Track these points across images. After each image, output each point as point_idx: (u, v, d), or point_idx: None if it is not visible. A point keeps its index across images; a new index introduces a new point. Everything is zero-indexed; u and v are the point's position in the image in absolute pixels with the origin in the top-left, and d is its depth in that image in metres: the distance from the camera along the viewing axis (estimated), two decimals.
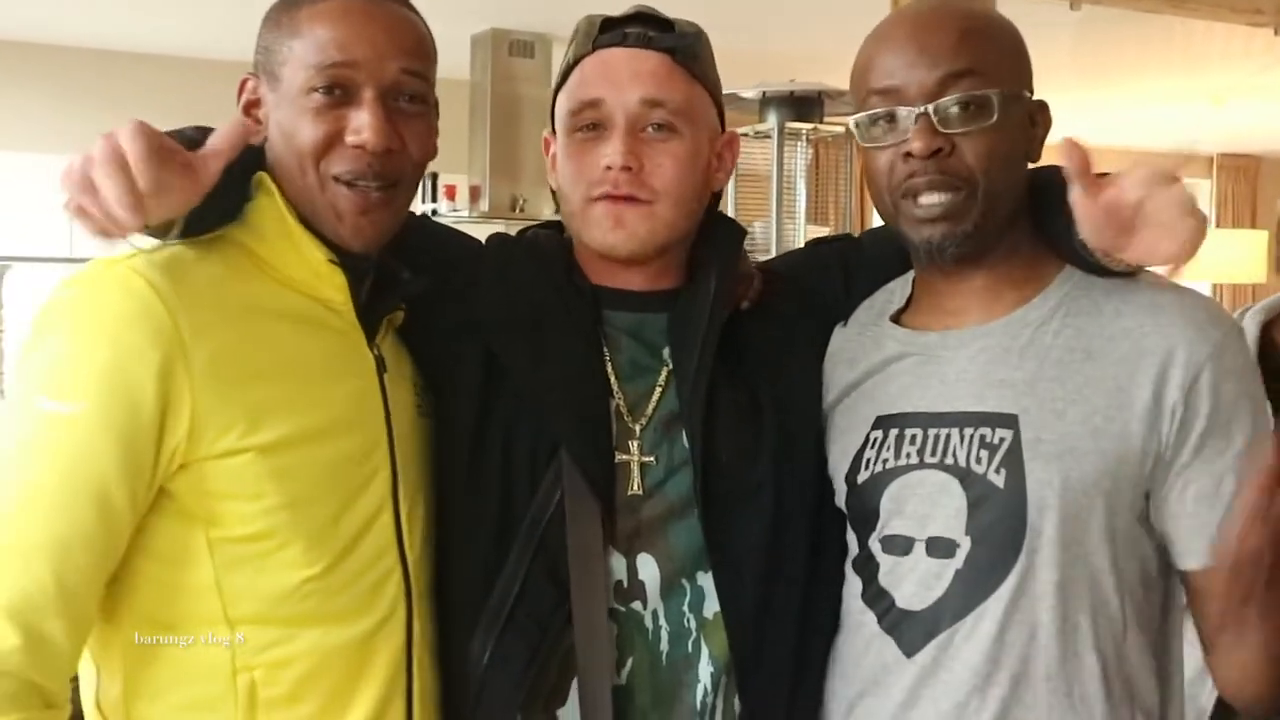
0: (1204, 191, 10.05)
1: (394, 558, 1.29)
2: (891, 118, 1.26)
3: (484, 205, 5.84)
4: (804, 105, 5.46)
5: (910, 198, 1.26)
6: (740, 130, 5.35)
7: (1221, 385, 1.21)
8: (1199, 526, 1.22)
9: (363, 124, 1.23)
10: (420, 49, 1.29)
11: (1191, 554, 1.24)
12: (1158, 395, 1.21)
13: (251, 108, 1.30)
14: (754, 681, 1.33)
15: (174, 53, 6.40)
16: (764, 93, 5.46)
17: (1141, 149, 8.91)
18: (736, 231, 1.46)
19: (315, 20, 1.25)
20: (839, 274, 1.50)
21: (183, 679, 1.21)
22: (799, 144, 5.72)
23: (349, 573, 1.24)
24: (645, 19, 1.39)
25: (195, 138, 1.25)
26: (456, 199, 6.02)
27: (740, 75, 4.98)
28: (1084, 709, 1.23)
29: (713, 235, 1.43)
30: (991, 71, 1.24)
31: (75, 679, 1.27)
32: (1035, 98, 1.32)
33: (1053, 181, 1.29)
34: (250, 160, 1.28)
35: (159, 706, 1.21)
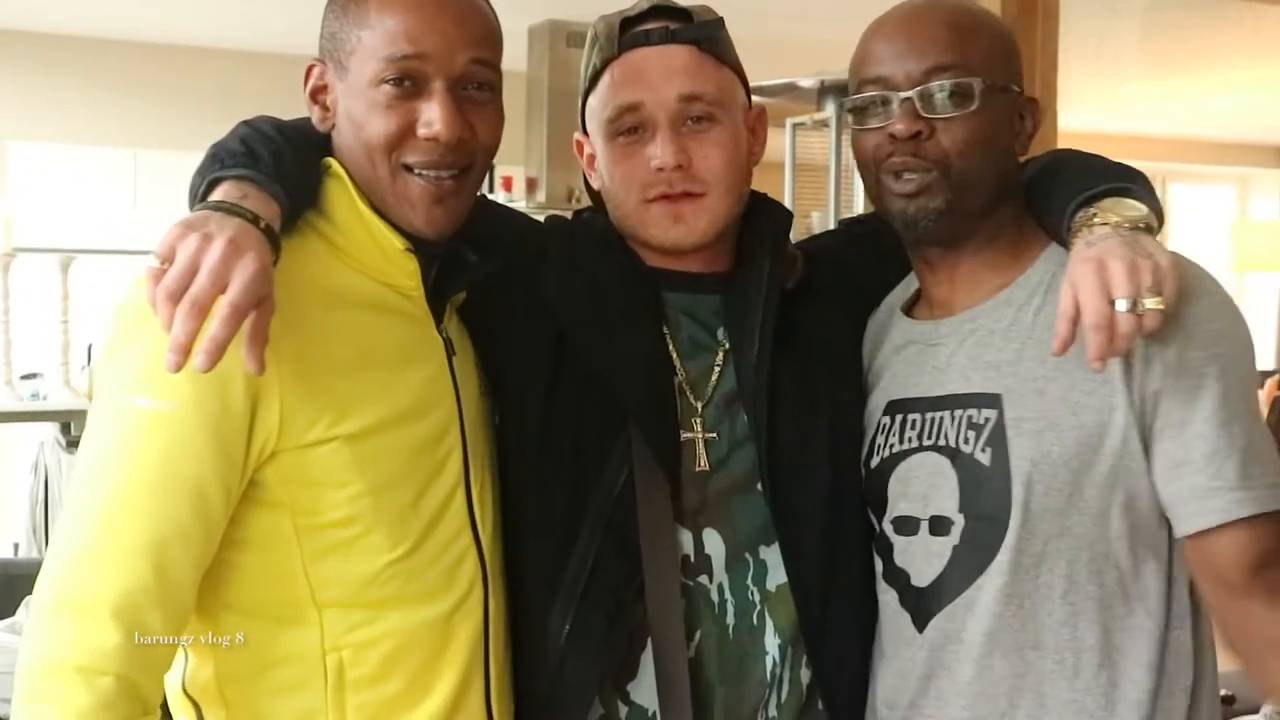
0: (1276, 182, 9.84)
1: (469, 538, 1.31)
2: (881, 102, 1.34)
3: (540, 196, 5.84)
4: None
5: (891, 175, 1.34)
6: (798, 119, 5.34)
7: (1187, 352, 1.23)
8: (1179, 493, 1.24)
9: (434, 116, 1.24)
10: (489, 37, 1.29)
11: (1179, 520, 1.25)
12: (1127, 366, 1.24)
13: (319, 94, 1.31)
14: (824, 650, 1.36)
15: (234, 46, 6.47)
16: (822, 81, 5.40)
17: (1210, 139, 8.76)
18: (783, 214, 1.48)
19: (384, 10, 1.24)
20: (872, 251, 1.51)
21: (274, 661, 1.23)
22: None
23: (428, 554, 1.26)
24: (662, 11, 1.39)
25: (268, 134, 1.26)
26: (513, 190, 6.04)
27: (798, 64, 4.93)
28: (1079, 683, 1.26)
29: (760, 218, 1.45)
30: (975, 64, 1.32)
31: None
32: (1028, 95, 1.38)
33: (1054, 165, 1.38)
34: (321, 143, 1.30)
35: (253, 689, 1.24)
